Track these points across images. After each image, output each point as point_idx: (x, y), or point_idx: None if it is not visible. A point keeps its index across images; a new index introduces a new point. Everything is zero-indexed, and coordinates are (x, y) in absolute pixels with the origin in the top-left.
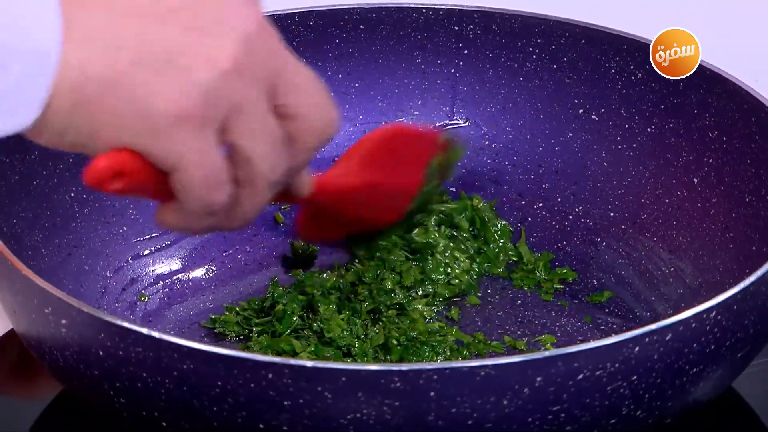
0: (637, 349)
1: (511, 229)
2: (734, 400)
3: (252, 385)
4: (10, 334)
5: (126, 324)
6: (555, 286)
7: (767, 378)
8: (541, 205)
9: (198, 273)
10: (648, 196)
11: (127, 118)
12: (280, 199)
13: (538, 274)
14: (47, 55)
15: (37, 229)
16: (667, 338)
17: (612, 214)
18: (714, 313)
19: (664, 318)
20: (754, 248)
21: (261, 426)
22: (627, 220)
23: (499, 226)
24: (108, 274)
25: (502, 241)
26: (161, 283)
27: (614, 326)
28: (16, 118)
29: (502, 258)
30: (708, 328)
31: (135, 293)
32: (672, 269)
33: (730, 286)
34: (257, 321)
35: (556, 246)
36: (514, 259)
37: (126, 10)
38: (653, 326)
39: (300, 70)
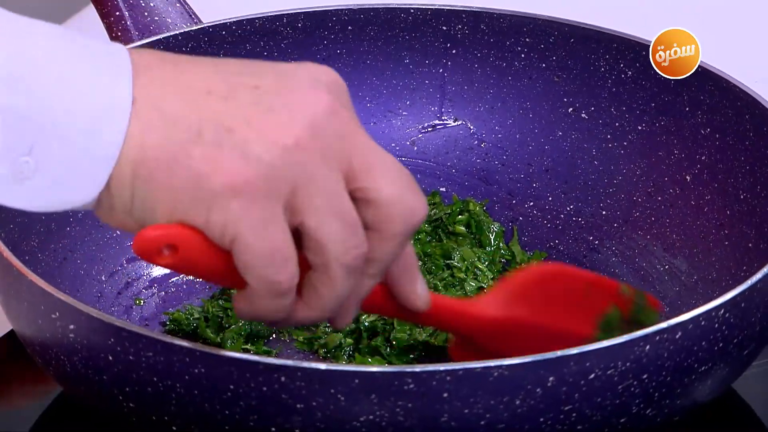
0: (648, 347)
1: (503, 228)
2: (734, 402)
3: (264, 389)
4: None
5: (137, 329)
6: None
7: (767, 379)
8: (531, 204)
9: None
10: (640, 194)
11: (182, 192)
12: (395, 312)
13: None
14: (114, 134)
15: (33, 234)
16: (677, 336)
17: (604, 212)
18: (723, 311)
19: (662, 316)
20: (750, 245)
21: (273, 429)
22: (619, 219)
23: (494, 227)
24: (103, 278)
25: (496, 242)
26: (156, 286)
27: None
28: (78, 192)
29: (497, 260)
30: (717, 325)
31: (131, 297)
32: (667, 267)
33: (728, 283)
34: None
35: (548, 245)
36: (507, 258)
37: (190, 87)
38: (664, 324)
39: (379, 154)
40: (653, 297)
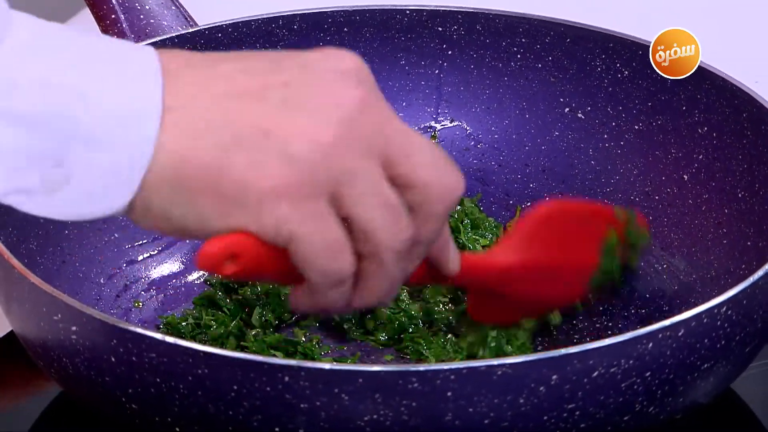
0: (651, 345)
1: (500, 225)
2: (733, 402)
3: (268, 389)
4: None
5: (140, 329)
6: None
7: (766, 380)
8: (529, 204)
9: (191, 278)
10: (637, 193)
11: (229, 199)
12: (429, 279)
13: None
14: (146, 142)
15: (32, 237)
16: (680, 334)
17: None
18: (725, 308)
19: (660, 314)
20: (749, 243)
21: (277, 429)
22: None
23: (488, 223)
24: (102, 281)
25: (491, 237)
26: (154, 289)
27: (609, 323)
28: (110, 201)
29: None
30: (719, 323)
31: (129, 300)
32: (665, 266)
33: (727, 282)
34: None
35: None
36: None
37: (223, 92)
38: (667, 322)
39: (413, 138)
40: (641, 215)
